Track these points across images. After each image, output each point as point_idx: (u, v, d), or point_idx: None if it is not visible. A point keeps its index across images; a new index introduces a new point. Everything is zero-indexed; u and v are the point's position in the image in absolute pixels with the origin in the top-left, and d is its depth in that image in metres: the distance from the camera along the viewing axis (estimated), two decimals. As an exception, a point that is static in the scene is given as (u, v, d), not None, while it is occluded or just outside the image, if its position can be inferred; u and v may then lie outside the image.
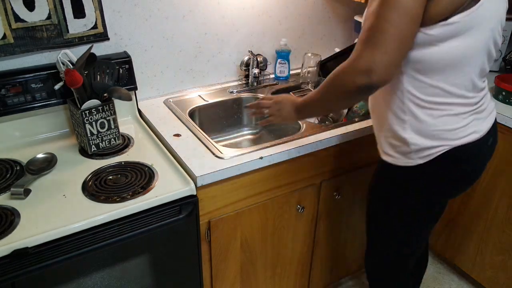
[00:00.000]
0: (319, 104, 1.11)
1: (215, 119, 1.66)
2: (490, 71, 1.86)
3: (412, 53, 1.00)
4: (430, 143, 1.07)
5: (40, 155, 1.24)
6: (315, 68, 1.77)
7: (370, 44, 0.92)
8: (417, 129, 1.07)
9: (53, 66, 1.30)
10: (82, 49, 1.37)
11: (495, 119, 1.19)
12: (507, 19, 1.79)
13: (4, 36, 1.25)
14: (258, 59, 1.72)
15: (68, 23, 1.33)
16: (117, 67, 1.37)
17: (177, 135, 1.37)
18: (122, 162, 1.25)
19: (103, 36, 1.41)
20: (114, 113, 1.30)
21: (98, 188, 1.13)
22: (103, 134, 1.29)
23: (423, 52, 0.99)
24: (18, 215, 1.03)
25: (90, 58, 1.25)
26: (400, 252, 1.32)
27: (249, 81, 1.73)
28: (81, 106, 1.24)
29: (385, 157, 1.17)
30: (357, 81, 0.95)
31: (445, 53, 0.98)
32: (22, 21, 1.26)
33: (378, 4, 0.93)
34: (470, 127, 1.08)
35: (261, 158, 1.24)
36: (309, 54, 1.77)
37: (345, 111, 1.61)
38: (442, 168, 1.10)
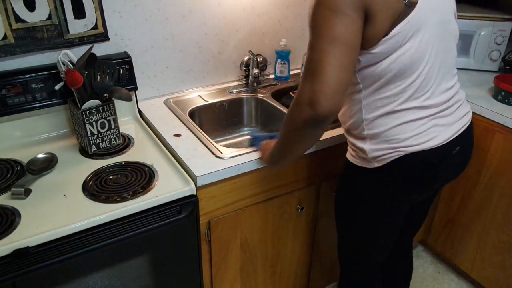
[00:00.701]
0: (284, 149, 1.08)
1: (215, 119, 1.66)
2: (489, 71, 1.88)
3: (362, 72, 1.02)
4: (385, 151, 1.07)
5: (40, 155, 1.24)
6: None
7: (309, 77, 0.91)
8: (374, 140, 1.08)
9: (53, 66, 1.30)
10: (82, 50, 1.37)
11: (468, 126, 1.16)
12: (507, 19, 1.79)
13: (5, 37, 1.25)
14: (258, 59, 1.72)
15: (68, 24, 1.33)
16: (118, 67, 1.37)
17: (177, 135, 1.37)
18: (122, 162, 1.25)
19: (104, 37, 1.42)
20: (115, 113, 1.30)
21: (98, 188, 1.13)
22: (103, 134, 1.30)
23: (372, 69, 1.01)
24: (19, 215, 1.03)
25: (90, 58, 1.25)
26: (360, 253, 1.31)
27: (249, 81, 1.74)
28: (81, 106, 1.24)
29: (349, 157, 1.19)
30: (303, 115, 0.92)
31: (393, 63, 0.99)
32: (23, 21, 1.26)
33: (312, 37, 0.92)
34: (426, 135, 1.05)
35: (261, 158, 1.25)
36: (309, 54, 1.77)
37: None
38: (398, 172, 1.08)
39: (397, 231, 1.25)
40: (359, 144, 1.12)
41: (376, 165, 1.10)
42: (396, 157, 1.07)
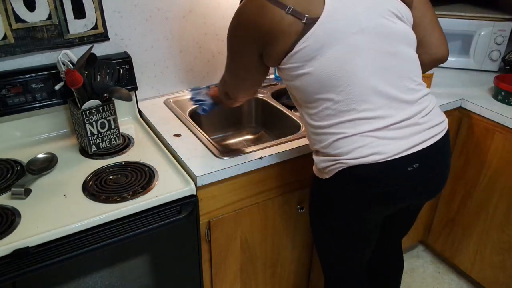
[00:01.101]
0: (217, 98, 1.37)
1: (215, 119, 1.66)
2: (489, 71, 1.88)
3: (291, 87, 1.06)
4: (329, 163, 1.05)
5: (40, 155, 1.24)
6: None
7: (222, 85, 1.23)
8: (321, 154, 1.08)
9: (53, 67, 1.30)
10: (82, 50, 1.37)
11: (439, 141, 1.06)
12: (507, 19, 1.79)
13: (5, 37, 1.25)
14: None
15: (68, 24, 1.33)
16: (118, 67, 1.37)
17: (177, 135, 1.37)
18: (122, 162, 1.25)
19: (104, 36, 1.42)
20: (115, 113, 1.30)
21: (98, 188, 1.13)
22: (103, 134, 1.30)
23: (295, 84, 1.03)
24: (19, 215, 1.03)
25: (90, 58, 1.25)
26: (325, 260, 1.31)
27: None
28: (81, 106, 1.24)
29: (313, 169, 1.18)
30: (221, 96, 1.27)
31: (311, 77, 0.99)
32: (23, 21, 1.26)
33: (226, 60, 1.14)
34: (370, 148, 1.00)
35: (261, 158, 1.25)
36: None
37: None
38: (344, 185, 1.06)
39: (364, 242, 1.21)
40: (313, 155, 1.13)
41: (326, 176, 1.09)
42: (339, 169, 1.03)
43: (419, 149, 1.02)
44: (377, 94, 1.00)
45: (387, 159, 1.00)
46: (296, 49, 0.97)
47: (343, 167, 1.03)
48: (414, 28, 1.10)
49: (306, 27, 0.95)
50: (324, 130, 1.04)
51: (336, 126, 1.02)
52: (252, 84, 1.17)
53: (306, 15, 0.95)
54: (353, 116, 1.00)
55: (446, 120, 1.12)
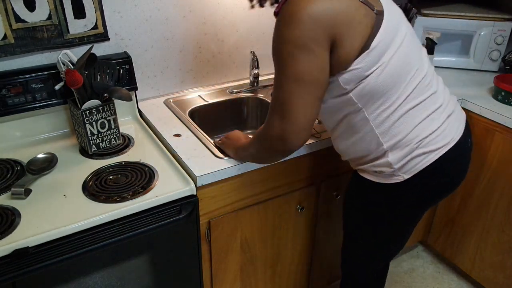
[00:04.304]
0: (250, 157, 1.16)
1: (215, 119, 1.66)
2: (489, 71, 1.88)
3: (357, 90, 0.98)
4: (415, 159, 1.02)
5: (40, 155, 1.24)
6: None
7: (278, 115, 0.95)
8: (396, 150, 1.03)
9: (53, 67, 1.30)
10: (82, 50, 1.37)
11: (466, 118, 1.16)
12: (507, 19, 1.79)
13: (5, 37, 1.25)
14: (258, 59, 1.72)
15: (68, 24, 1.33)
16: (118, 67, 1.37)
17: (177, 135, 1.37)
18: (122, 162, 1.25)
19: (104, 36, 1.42)
20: (115, 113, 1.30)
21: (98, 188, 1.13)
22: (103, 134, 1.30)
23: (366, 82, 0.96)
24: (19, 215, 1.03)
25: (90, 58, 1.25)
26: (370, 263, 1.29)
27: (249, 81, 1.74)
28: (81, 106, 1.24)
29: (366, 176, 1.10)
30: (273, 147, 1.01)
31: (387, 70, 0.96)
32: (23, 21, 1.26)
33: (277, 74, 0.94)
34: (443, 130, 1.04)
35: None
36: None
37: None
38: (427, 179, 1.04)
39: (407, 237, 1.22)
40: (380, 160, 1.04)
41: (406, 177, 1.03)
42: (429, 163, 1.02)
43: (464, 126, 1.11)
44: (433, 77, 1.07)
45: (458, 140, 1.05)
46: (373, 45, 0.92)
47: (433, 160, 1.02)
48: None
49: (377, 19, 0.94)
50: (397, 122, 1.00)
51: (410, 112, 1.01)
52: (313, 102, 0.93)
53: (374, 6, 0.95)
54: (422, 98, 1.03)
55: None
